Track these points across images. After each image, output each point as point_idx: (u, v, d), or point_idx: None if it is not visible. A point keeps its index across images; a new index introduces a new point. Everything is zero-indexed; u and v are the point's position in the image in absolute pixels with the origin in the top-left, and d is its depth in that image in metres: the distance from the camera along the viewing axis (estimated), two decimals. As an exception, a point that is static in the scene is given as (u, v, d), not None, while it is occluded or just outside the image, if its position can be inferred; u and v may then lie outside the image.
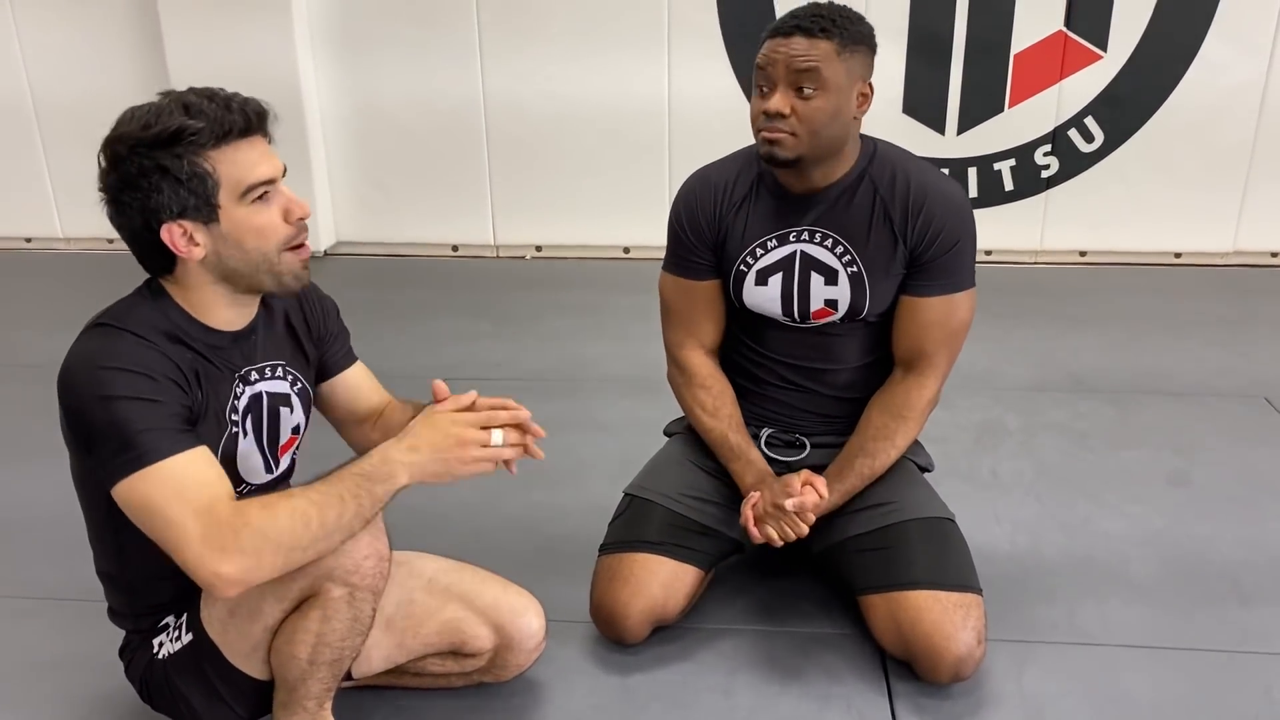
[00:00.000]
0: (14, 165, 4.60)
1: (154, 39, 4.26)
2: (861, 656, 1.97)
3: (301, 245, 1.51)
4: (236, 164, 1.42)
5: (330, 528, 1.40)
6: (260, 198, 1.45)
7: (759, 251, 1.97)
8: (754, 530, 1.91)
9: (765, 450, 2.07)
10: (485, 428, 1.47)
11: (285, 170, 1.50)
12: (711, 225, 1.99)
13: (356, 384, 1.81)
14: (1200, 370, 3.27)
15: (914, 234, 1.89)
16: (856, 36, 1.81)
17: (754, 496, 1.93)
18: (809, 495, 1.88)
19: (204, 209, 1.42)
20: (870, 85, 1.86)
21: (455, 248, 4.61)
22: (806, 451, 2.07)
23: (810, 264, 1.95)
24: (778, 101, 1.80)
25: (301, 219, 1.49)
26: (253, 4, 4.11)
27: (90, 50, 4.40)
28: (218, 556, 1.35)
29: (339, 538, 1.42)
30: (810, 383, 2.05)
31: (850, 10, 1.85)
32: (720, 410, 2.04)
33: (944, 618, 1.82)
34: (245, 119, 1.42)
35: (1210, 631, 2.05)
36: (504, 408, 1.51)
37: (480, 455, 1.46)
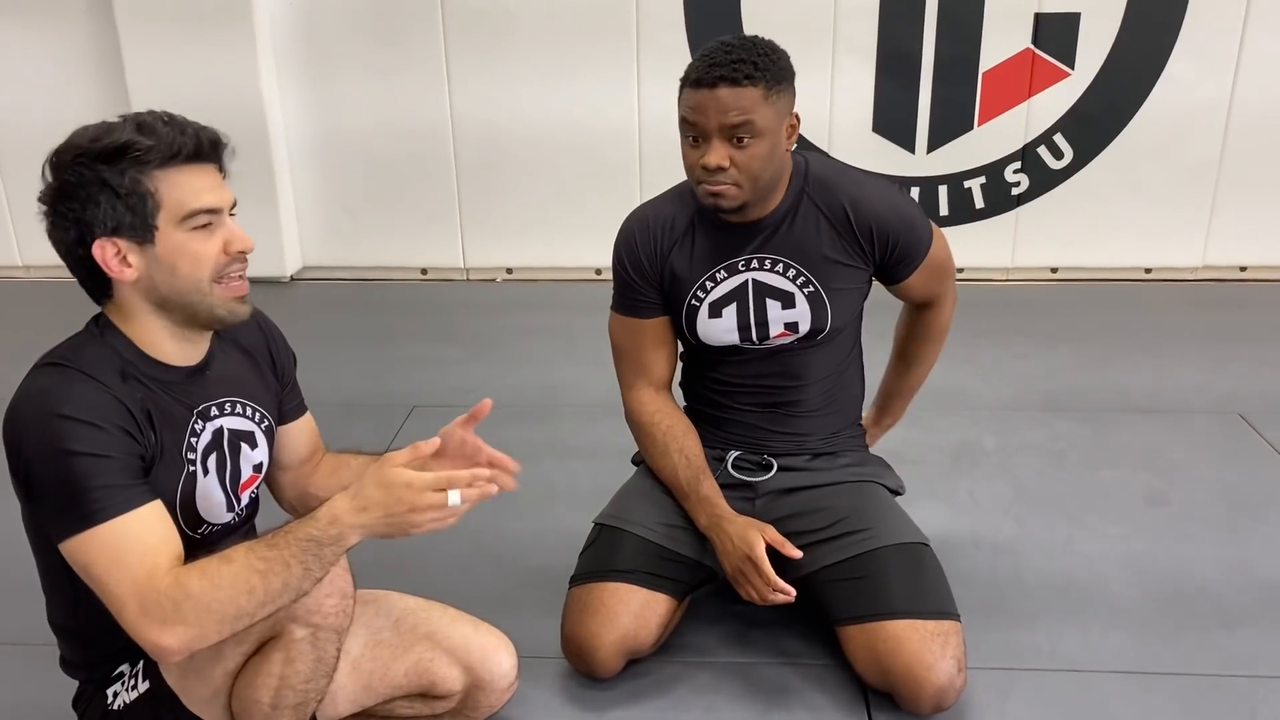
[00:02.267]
0: (-29, 192, 4.51)
1: (115, 64, 4.19)
2: (842, 688, 1.93)
3: (239, 280, 1.46)
4: (180, 187, 1.39)
5: (275, 593, 1.34)
6: (203, 226, 1.42)
7: (709, 284, 1.96)
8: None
9: (732, 472, 2.05)
10: (441, 489, 1.37)
11: (235, 204, 1.46)
12: (654, 264, 1.98)
13: (306, 433, 1.78)
14: (1174, 387, 3.27)
15: (875, 248, 1.93)
16: (778, 75, 1.79)
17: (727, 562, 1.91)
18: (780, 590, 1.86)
19: (140, 228, 1.38)
20: (796, 116, 1.86)
21: (424, 271, 4.56)
22: (773, 472, 2.04)
23: (764, 290, 1.95)
24: (716, 156, 1.78)
25: (241, 252, 1.45)
26: (216, 28, 4.05)
27: (50, 75, 4.33)
28: (157, 628, 1.30)
29: (286, 600, 1.37)
30: (775, 403, 2.04)
31: (767, 44, 1.82)
32: (669, 447, 2.01)
33: (923, 647, 1.78)
34: (196, 144, 1.40)
35: (1194, 655, 2.03)
36: (489, 456, 1.44)
37: (435, 517, 1.37)
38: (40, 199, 1.41)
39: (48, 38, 4.28)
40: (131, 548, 1.33)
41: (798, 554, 1.88)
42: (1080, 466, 2.79)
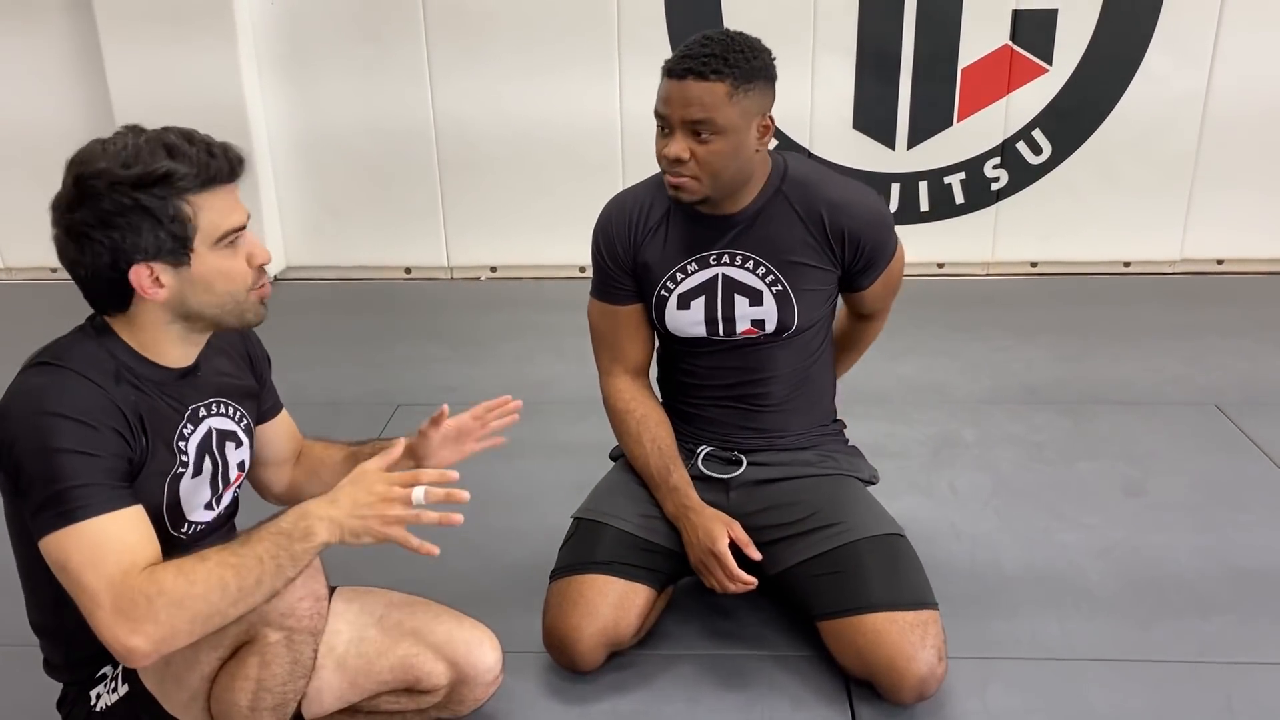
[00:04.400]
0: (-47, 194, 4.49)
1: (95, 65, 4.17)
2: (824, 679, 1.95)
3: (264, 286, 1.52)
4: (214, 210, 1.42)
5: (248, 590, 1.35)
6: (231, 243, 1.45)
7: (679, 276, 1.98)
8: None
9: (702, 468, 2.06)
10: (408, 485, 1.40)
11: (249, 216, 1.50)
12: (628, 251, 2.00)
13: (284, 431, 1.81)
14: (1152, 379, 3.30)
15: (845, 252, 1.95)
16: (750, 73, 1.78)
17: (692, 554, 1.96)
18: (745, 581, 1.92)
19: (178, 252, 1.41)
20: (770, 118, 1.85)
21: (408, 270, 4.56)
22: (743, 468, 2.06)
23: (733, 286, 1.96)
24: (676, 148, 1.81)
25: (263, 264, 1.50)
26: (196, 28, 4.04)
27: (30, 77, 4.31)
28: (128, 628, 1.30)
29: (259, 598, 1.37)
30: (742, 396, 2.05)
31: (746, 41, 1.82)
32: (642, 435, 2.03)
33: (902, 638, 1.80)
34: (229, 166, 1.43)
35: (1171, 643, 2.06)
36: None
37: (400, 515, 1.38)
38: (64, 223, 1.40)
39: (28, 40, 4.26)
40: (110, 547, 1.33)
41: (758, 556, 1.93)
42: (1059, 458, 2.81)
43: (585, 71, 4.18)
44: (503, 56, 4.18)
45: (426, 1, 4.11)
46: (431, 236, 4.48)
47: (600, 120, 4.24)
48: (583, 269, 4.39)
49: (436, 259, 4.52)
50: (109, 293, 1.44)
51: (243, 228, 1.47)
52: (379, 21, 4.16)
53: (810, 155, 3.84)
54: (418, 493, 1.39)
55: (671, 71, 1.80)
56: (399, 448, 1.48)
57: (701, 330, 1.99)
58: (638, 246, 1.99)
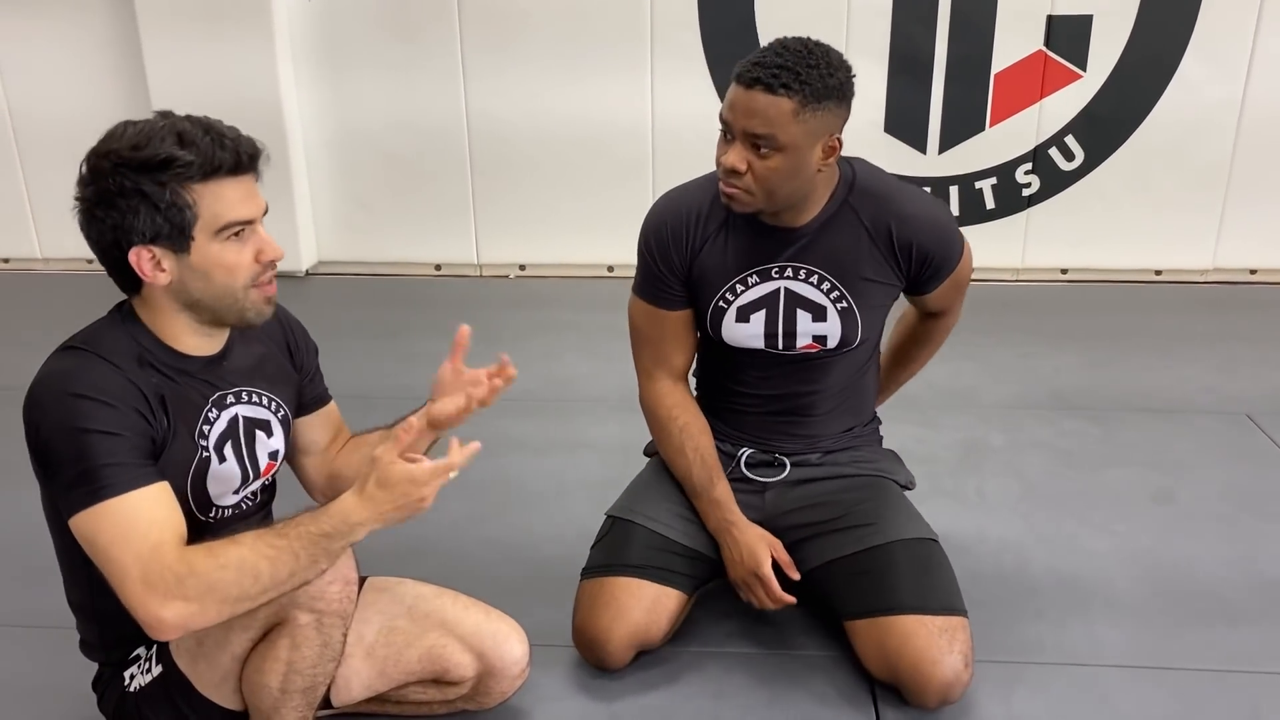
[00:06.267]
0: (-8, 185, 4.56)
1: (135, 58, 4.23)
2: (849, 680, 1.95)
3: (269, 283, 1.50)
4: (219, 200, 1.41)
5: (280, 581, 1.37)
6: (235, 235, 1.44)
7: (739, 288, 1.91)
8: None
9: (744, 470, 2.05)
10: (440, 475, 1.40)
11: (266, 209, 1.49)
12: (683, 258, 1.91)
13: (330, 421, 1.82)
14: (1183, 387, 3.28)
15: (912, 266, 1.89)
16: (821, 92, 1.68)
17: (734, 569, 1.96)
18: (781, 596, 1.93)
19: (177, 238, 1.41)
20: (838, 138, 1.76)
21: (438, 267, 4.59)
22: (786, 471, 2.05)
23: (796, 301, 1.90)
24: (733, 158, 1.73)
25: (272, 261, 1.48)
26: (234, 23, 4.09)
27: (71, 69, 4.37)
28: (158, 601, 1.33)
29: (289, 589, 1.40)
30: (792, 407, 2.03)
31: (824, 57, 1.71)
32: (685, 445, 1.99)
33: (930, 642, 1.80)
34: (235, 158, 1.41)
35: (1198, 651, 2.05)
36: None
37: (433, 495, 1.40)
38: (77, 197, 1.42)
39: (69, 33, 4.33)
40: (138, 523, 1.36)
41: (797, 576, 1.94)
42: (1087, 465, 2.80)
43: (618, 72, 4.19)
44: (536, 56, 4.20)
45: (461, 2, 4.14)
46: (462, 234, 4.51)
47: (631, 121, 4.25)
48: (611, 269, 4.40)
49: (466, 256, 4.54)
50: (117, 272, 1.46)
51: (250, 222, 1.45)
52: (414, 20, 4.19)
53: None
54: (453, 475, 1.40)
55: (740, 78, 1.71)
56: (409, 432, 1.44)
57: (759, 344, 1.94)
58: (694, 254, 1.91)
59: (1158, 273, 4.32)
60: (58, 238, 4.59)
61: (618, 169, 4.31)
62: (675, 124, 4.21)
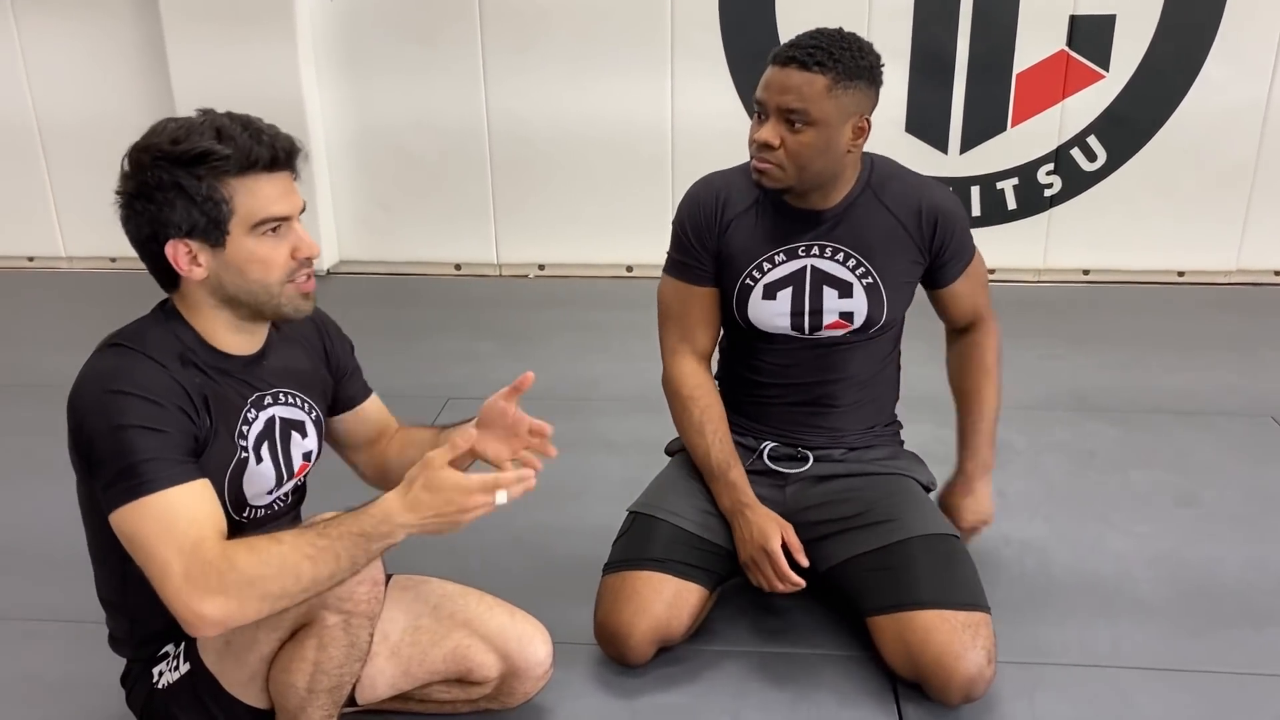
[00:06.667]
0: (17, 184, 4.59)
1: (159, 59, 4.27)
2: (871, 678, 1.95)
3: (307, 279, 1.51)
4: (255, 196, 1.43)
5: (320, 581, 1.38)
6: (271, 231, 1.46)
7: (766, 266, 1.97)
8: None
9: (767, 462, 2.06)
10: (489, 490, 1.40)
11: (304, 207, 1.50)
12: (713, 232, 1.99)
13: (373, 414, 1.83)
14: (1206, 389, 3.26)
15: (934, 240, 1.95)
16: (854, 71, 1.79)
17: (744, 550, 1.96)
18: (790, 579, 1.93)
19: (212, 232, 1.42)
20: (867, 120, 1.86)
21: (458, 266, 4.61)
22: (809, 464, 2.06)
23: (822, 278, 1.95)
24: (766, 133, 1.82)
25: (308, 258, 1.49)
26: (258, 25, 4.12)
27: (95, 70, 4.41)
28: (199, 596, 1.33)
29: (327, 587, 1.41)
30: (815, 397, 2.05)
31: (855, 41, 1.83)
32: (705, 426, 2.03)
33: (953, 637, 1.80)
34: (272, 153, 1.43)
35: (1222, 653, 2.04)
36: (529, 462, 1.46)
37: (479, 514, 1.40)
38: (117, 191, 1.44)
39: (95, 35, 4.36)
40: (179, 518, 1.37)
41: (806, 562, 1.94)
42: (1110, 466, 2.79)
43: (638, 73, 4.20)
44: (557, 57, 4.21)
45: (482, 2, 4.16)
46: (482, 234, 4.52)
47: (651, 122, 4.26)
48: (630, 269, 4.41)
49: (486, 256, 4.56)
50: (155, 267, 1.48)
51: (287, 218, 1.46)
52: (435, 21, 4.21)
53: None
54: (501, 496, 1.40)
55: (775, 58, 1.81)
56: (466, 440, 1.45)
57: (786, 322, 1.98)
58: (725, 227, 1.98)
59: (1180, 274, 4.30)
60: (82, 236, 4.62)
61: (637, 169, 4.32)
62: (695, 124, 4.21)
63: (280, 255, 1.47)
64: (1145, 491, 2.65)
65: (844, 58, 1.78)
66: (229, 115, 1.44)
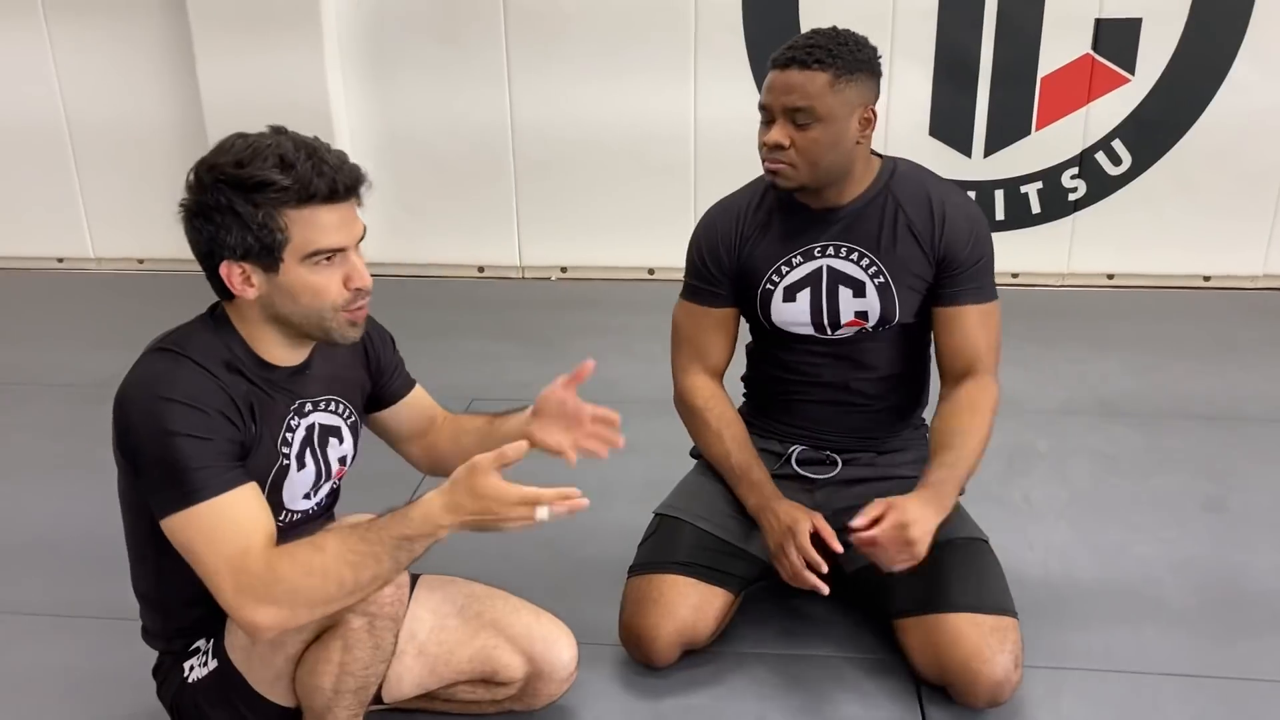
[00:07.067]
0: (47, 186, 4.63)
1: (187, 63, 4.31)
2: (895, 681, 1.95)
3: (359, 309, 1.51)
4: (311, 227, 1.43)
5: (364, 584, 1.42)
6: (326, 260, 1.46)
7: (784, 269, 1.99)
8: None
9: (795, 467, 2.06)
10: (529, 504, 1.42)
11: (364, 234, 1.50)
12: (731, 254, 2.01)
13: (418, 405, 1.85)
14: (1232, 394, 3.24)
15: (941, 244, 1.93)
16: (853, 64, 1.82)
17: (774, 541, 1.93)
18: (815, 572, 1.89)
19: (266, 258, 1.44)
20: (873, 110, 1.88)
21: (481, 269, 4.63)
22: (838, 468, 2.06)
23: (838, 278, 1.97)
24: (776, 134, 1.84)
25: (360, 289, 1.49)
26: (284, 29, 4.15)
27: (124, 73, 4.45)
28: (251, 606, 1.38)
29: (373, 590, 1.44)
30: (841, 395, 2.05)
31: (851, 36, 1.86)
32: (723, 432, 2.04)
33: (981, 641, 1.80)
34: (331, 186, 1.42)
35: (1249, 660, 2.02)
36: (565, 496, 1.45)
37: (522, 526, 1.42)
38: (181, 203, 1.45)
39: (123, 38, 4.41)
40: (227, 527, 1.40)
41: (840, 548, 1.90)
42: (1135, 471, 2.77)
43: (661, 76, 4.21)
44: (580, 60, 4.23)
45: (507, 5, 4.18)
46: (505, 236, 4.54)
47: (675, 125, 4.27)
48: (652, 271, 4.42)
49: (509, 258, 4.58)
50: (211, 279, 1.49)
51: (342, 249, 1.46)
52: (460, 25, 4.23)
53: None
54: (543, 512, 1.41)
55: (775, 61, 1.85)
56: (517, 453, 1.43)
57: (806, 325, 2.00)
58: (744, 244, 2.00)
59: (1206, 279, 4.27)
60: (111, 238, 4.66)
61: (660, 172, 4.33)
62: (718, 127, 4.22)
63: (333, 284, 1.47)
64: (1171, 497, 2.64)
65: (842, 53, 1.81)
66: (295, 139, 1.43)
